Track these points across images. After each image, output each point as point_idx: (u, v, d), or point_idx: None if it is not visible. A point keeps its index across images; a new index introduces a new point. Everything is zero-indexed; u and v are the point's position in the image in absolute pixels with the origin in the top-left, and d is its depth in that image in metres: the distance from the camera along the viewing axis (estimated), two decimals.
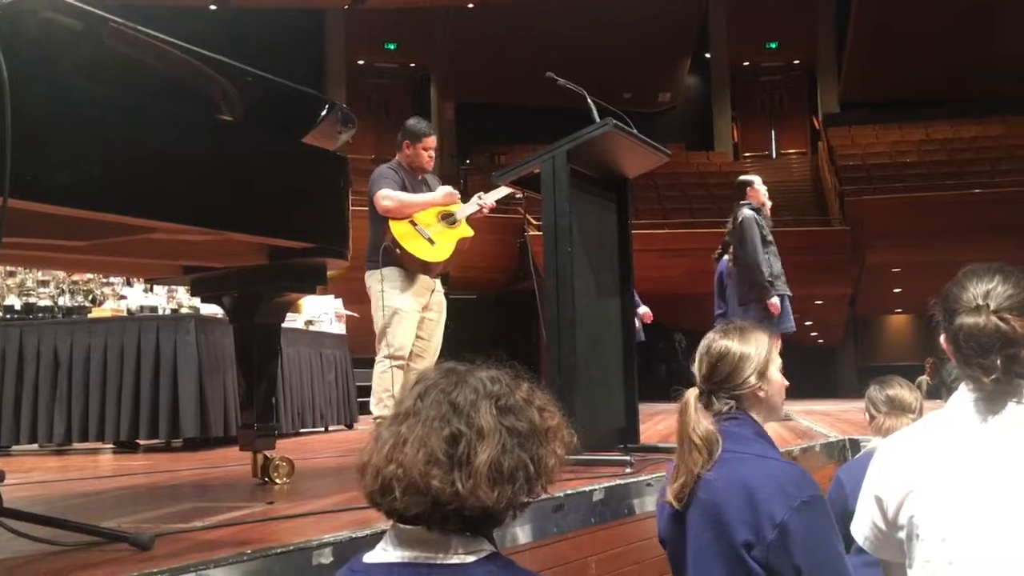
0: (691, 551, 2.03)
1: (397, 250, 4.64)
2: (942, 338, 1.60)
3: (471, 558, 1.28)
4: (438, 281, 4.92)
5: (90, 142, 2.20)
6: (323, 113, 3.21)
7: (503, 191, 4.74)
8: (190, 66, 2.69)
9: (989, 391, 1.50)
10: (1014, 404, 1.49)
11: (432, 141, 4.96)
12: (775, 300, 6.33)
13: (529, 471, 1.30)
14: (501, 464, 1.26)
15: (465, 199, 4.97)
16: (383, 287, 4.65)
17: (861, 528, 1.64)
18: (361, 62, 22.55)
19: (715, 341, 2.13)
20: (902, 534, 1.54)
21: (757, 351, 2.10)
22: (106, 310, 6.15)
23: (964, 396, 1.55)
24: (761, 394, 2.10)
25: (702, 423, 2.02)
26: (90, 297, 6.40)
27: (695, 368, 2.13)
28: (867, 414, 3.10)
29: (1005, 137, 20.18)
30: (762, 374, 2.09)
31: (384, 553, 1.32)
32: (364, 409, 7.53)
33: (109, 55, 2.45)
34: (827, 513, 1.90)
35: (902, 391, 3.02)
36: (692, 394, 2.08)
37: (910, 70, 21.45)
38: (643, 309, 7.35)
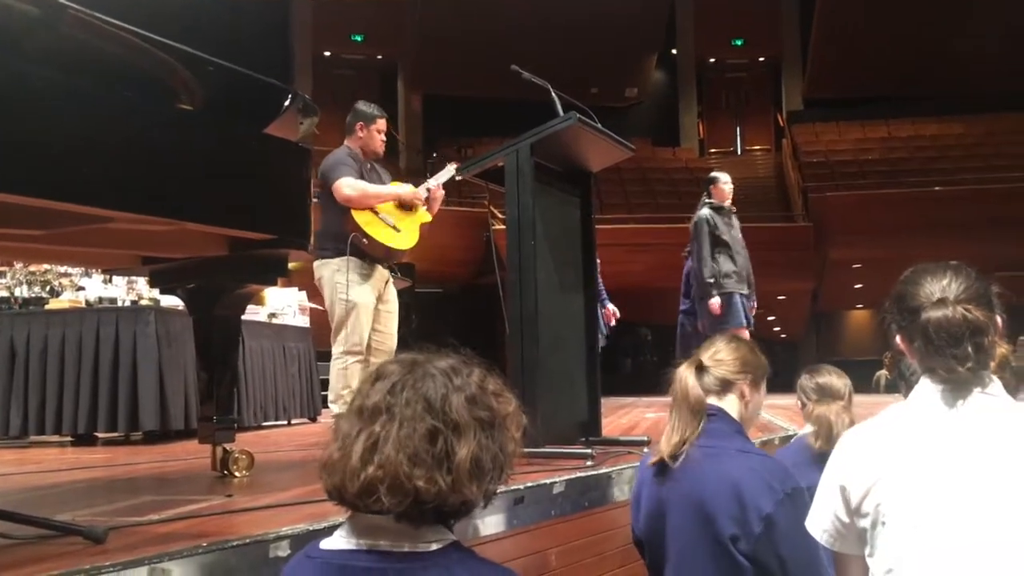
0: (673, 547, 2.06)
1: (365, 240, 4.50)
2: (898, 338, 1.63)
3: (434, 546, 1.28)
4: (388, 271, 4.85)
5: (44, 130, 2.16)
6: (285, 103, 3.18)
7: (448, 172, 4.70)
8: (150, 55, 2.65)
9: (955, 381, 1.54)
10: (979, 392, 1.53)
11: (384, 124, 4.84)
12: (714, 301, 6.49)
13: (499, 459, 1.31)
14: (479, 458, 1.28)
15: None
16: (340, 279, 4.52)
17: (820, 522, 1.65)
18: (328, 53, 22.37)
19: (728, 337, 2.30)
20: (865, 522, 1.56)
21: (758, 361, 2.24)
22: (64, 301, 6.07)
23: (928, 388, 1.58)
24: (747, 395, 2.20)
25: (696, 390, 2.12)
26: (48, 288, 6.31)
27: (702, 350, 2.24)
28: (799, 402, 3.15)
29: (965, 136, 20.48)
30: (755, 382, 2.22)
31: (343, 540, 1.32)
32: (328, 402, 7.50)
33: (67, 42, 2.41)
34: (807, 504, 1.92)
35: (831, 378, 3.06)
36: (687, 366, 2.18)
37: (873, 68, 21.69)
38: (610, 307, 7.31)
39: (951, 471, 1.49)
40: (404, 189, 4.74)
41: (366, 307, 4.59)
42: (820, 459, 2.65)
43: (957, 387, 1.54)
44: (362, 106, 4.88)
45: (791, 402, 3.32)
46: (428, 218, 4.82)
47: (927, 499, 1.49)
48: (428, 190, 4.80)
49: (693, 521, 2.00)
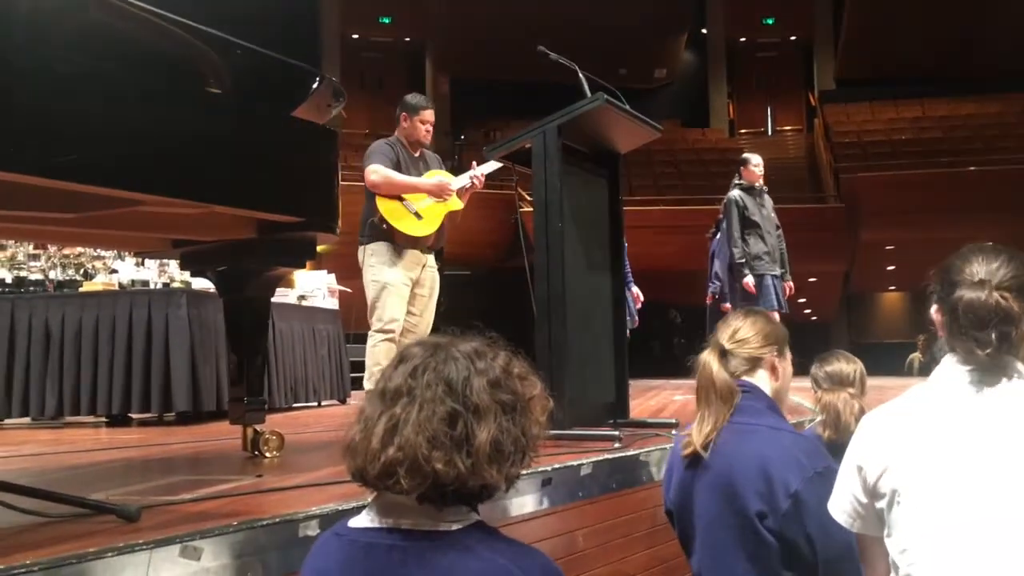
0: (700, 521, 2.06)
1: (384, 226, 4.65)
2: (934, 308, 1.62)
3: (456, 526, 1.29)
4: (430, 257, 4.90)
5: (73, 114, 2.18)
6: (313, 86, 3.19)
7: (493, 164, 4.72)
8: (178, 38, 2.67)
9: (980, 365, 1.52)
10: (1001, 376, 1.52)
11: (430, 115, 4.93)
12: (748, 280, 6.49)
13: (521, 443, 1.31)
14: (500, 442, 1.27)
15: (459, 175, 4.94)
16: (372, 261, 4.66)
17: (841, 504, 1.65)
18: (355, 36, 22.40)
19: (737, 315, 2.25)
20: (882, 503, 1.56)
21: (779, 331, 2.21)
22: (97, 284, 6.14)
23: (953, 369, 1.56)
24: (778, 368, 2.17)
25: (723, 375, 2.09)
26: (81, 271, 6.39)
27: (720, 333, 2.20)
28: (813, 392, 3.12)
29: (1001, 115, 20.11)
30: (781, 352, 2.19)
31: (369, 519, 1.33)
32: (357, 384, 7.54)
33: (96, 27, 2.43)
34: None
35: (839, 364, 3.03)
36: (709, 352, 2.15)
37: (906, 47, 21.36)
38: (634, 290, 7.27)
39: (966, 452, 1.47)
40: (430, 182, 4.77)
41: (396, 287, 4.67)
42: (830, 449, 2.64)
43: (983, 371, 1.52)
44: (408, 97, 5.01)
45: None
46: (459, 206, 4.86)
47: (942, 480, 1.48)
48: (472, 179, 4.82)
49: (720, 496, 1.99)
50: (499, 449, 1.27)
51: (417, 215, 4.69)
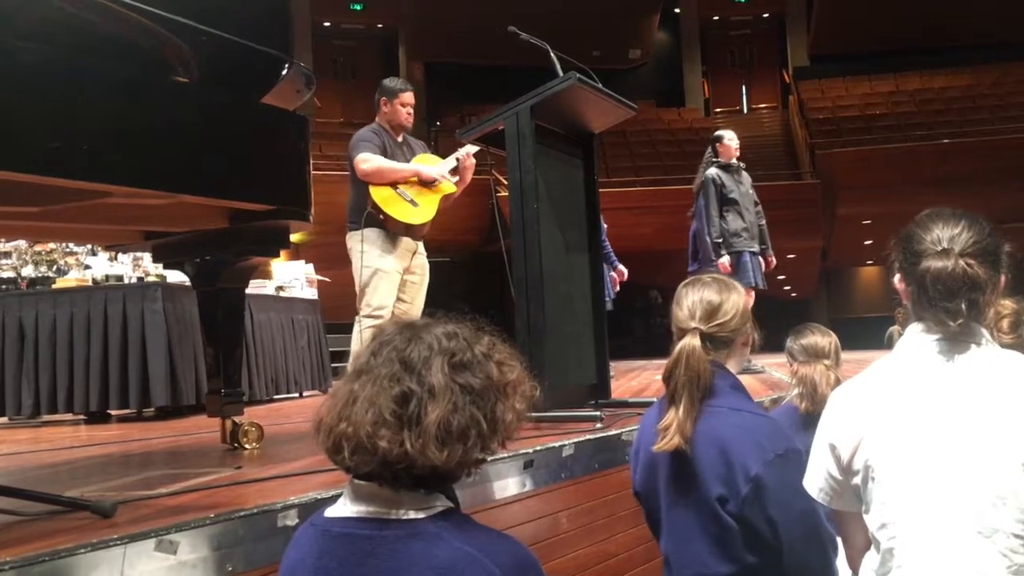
0: (665, 503, 2.02)
1: (380, 215, 4.60)
2: (897, 278, 1.60)
3: (422, 515, 1.27)
4: (420, 244, 4.88)
5: (37, 105, 2.14)
6: (283, 72, 3.14)
7: (470, 148, 4.72)
8: (142, 26, 2.62)
9: (948, 334, 1.50)
10: (975, 347, 1.50)
11: (410, 97, 4.90)
12: (723, 260, 6.44)
13: (482, 428, 1.28)
14: (451, 423, 1.25)
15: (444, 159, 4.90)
16: (365, 247, 4.62)
17: (815, 480, 1.64)
18: (327, 24, 22.21)
19: (707, 288, 2.08)
20: (858, 479, 1.54)
21: (743, 300, 2.10)
22: (71, 280, 6.07)
23: (920, 338, 1.55)
24: (747, 341, 2.10)
25: (707, 366, 1.96)
26: (54, 267, 6.31)
27: (687, 315, 2.04)
28: (789, 365, 3.12)
29: (973, 87, 20.24)
30: (745, 322, 2.09)
31: (343, 507, 1.32)
32: (338, 374, 7.50)
33: (59, 16, 2.38)
34: (802, 465, 1.85)
35: (814, 337, 3.03)
36: (694, 340, 1.97)
37: (879, 22, 21.41)
38: (620, 268, 7.25)
39: (942, 423, 1.46)
40: (427, 169, 4.74)
41: (386, 274, 4.66)
42: (807, 420, 2.63)
43: (953, 339, 1.51)
44: (387, 81, 4.97)
45: None
46: (452, 190, 4.83)
47: (918, 452, 1.47)
48: (457, 160, 4.80)
49: (682, 479, 1.95)
50: (448, 431, 1.24)
51: (412, 203, 4.66)
